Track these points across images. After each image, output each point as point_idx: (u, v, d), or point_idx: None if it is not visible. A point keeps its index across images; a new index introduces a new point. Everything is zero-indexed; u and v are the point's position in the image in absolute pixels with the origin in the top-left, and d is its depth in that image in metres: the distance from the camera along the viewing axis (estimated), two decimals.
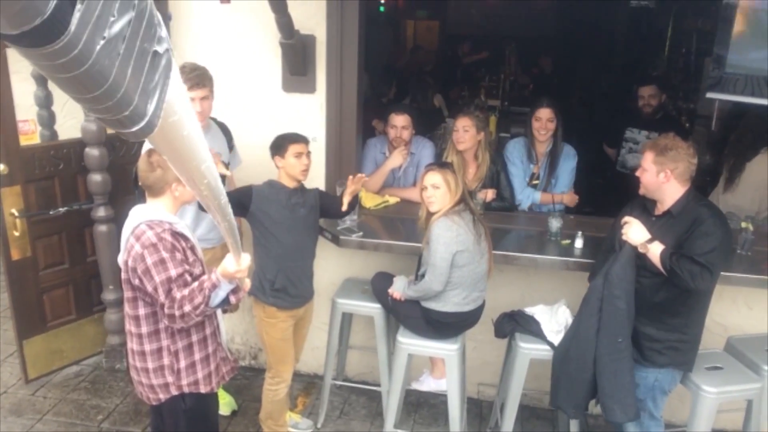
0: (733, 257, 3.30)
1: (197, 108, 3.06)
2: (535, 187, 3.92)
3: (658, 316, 2.78)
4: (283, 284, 3.09)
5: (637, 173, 2.79)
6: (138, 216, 2.41)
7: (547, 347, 3.09)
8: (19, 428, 3.52)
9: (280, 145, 3.02)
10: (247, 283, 2.41)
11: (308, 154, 3.05)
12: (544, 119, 3.82)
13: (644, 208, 2.85)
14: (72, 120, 4.45)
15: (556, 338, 3.07)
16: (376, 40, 7.96)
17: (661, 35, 7.66)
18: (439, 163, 3.20)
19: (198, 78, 3.02)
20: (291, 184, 3.06)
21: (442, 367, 3.43)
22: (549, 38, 9.81)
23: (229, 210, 1.52)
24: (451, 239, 2.92)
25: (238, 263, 2.17)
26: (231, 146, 3.45)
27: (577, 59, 8.74)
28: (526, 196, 3.87)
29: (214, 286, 2.27)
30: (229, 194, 2.80)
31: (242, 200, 2.98)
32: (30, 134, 3.72)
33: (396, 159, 3.87)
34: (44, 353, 3.92)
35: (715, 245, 2.61)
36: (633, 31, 8.82)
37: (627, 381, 2.76)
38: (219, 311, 2.64)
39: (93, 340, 4.13)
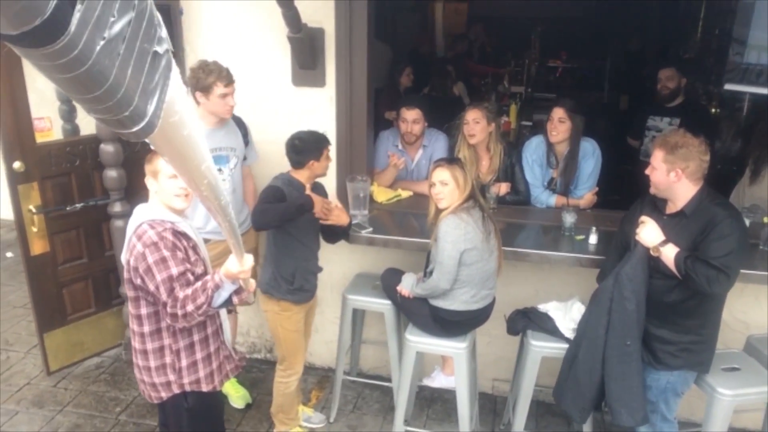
0: (756, 253, 3.18)
1: (231, 102, 3.14)
2: (553, 191, 3.81)
3: (671, 318, 2.69)
4: (300, 283, 3.12)
5: (647, 171, 2.67)
6: (140, 215, 2.42)
7: (560, 344, 3.03)
8: (40, 420, 3.62)
9: (318, 148, 2.97)
10: (252, 284, 2.41)
11: None
12: (555, 119, 3.69)
13: (654, 206, 2.75)
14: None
15: (573, 335, 3.01)
16: (404, 25, 7.84)
17: (694, 17, 7.40)
18: (448, 159, 3.14)
19: (230, 73, 3.10)
20: (309, 183, 3.05)
21: (453, 364, 3.39)
22: (579, 19, 9.57)
23: (230, 210, 1.51)
24: (459, 237, 2.87)
25: (241, 264, 2.17)
26: (247, 141, 3.44)
27: (607, 43, 8.53)
28: (540, 202, 3.77)
29: (217, 287, 2.28)
30: (273, 203, 2.82)
31: (279, 201, 2.96)
32: (46, 131, 3.77)
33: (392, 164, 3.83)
34: (65, 345, 4.00)
35: (732, 248, 2.50)
36: (665, 14, 8.54)
37: (635, 384, 2.68)
38: (223, 310, 2.65)
39: (113, 332, 4.21)
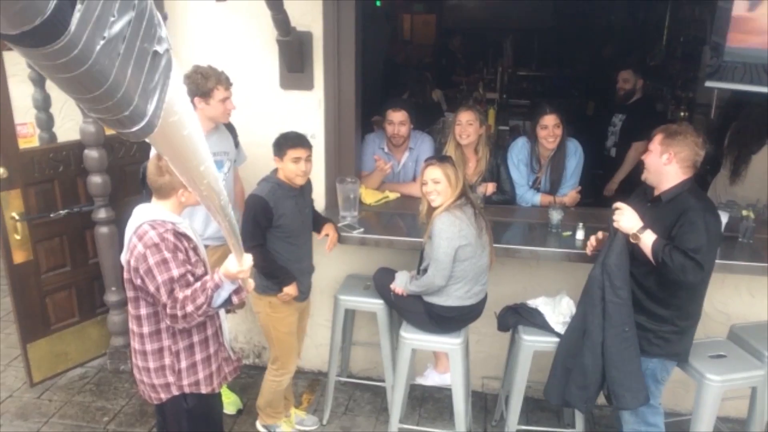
0: (735, 245, 3.30)
1: (230, 106, 3.11)
2: (537, 190, 3.89)
3: (646, 306, 2.78)
4: None
5: (643, 157, 2.80)
6: (141, 215, 2.41)
7: (552, 339, 3.09)
8: None
9: (279, 147, 2.98)
10: (251, 283, 2.41)
11: (308, 158, 2.99)
12: (550, 126, 3.74)
13: (644, 193, 2.87)
14: (70, 122, 4.45)
15: (563, 329, 3.07)
16: (374, 36, 7.95)
17: (659, 25, 7.65)
18: (439, 157, 3.19)
19: (228, 77, 3.08)
20: (291, 183, 3.06)
21: (445, 362, 3.43)
22: (546, 30, 9.81)
23: (230, 210, 1.52)
24: (454, 234, 2.92)
25: (240, 263, 2.18)
26: (236, 143, 3.44)
27: (574, 51, 8.75)
28: (526, 201, 3.85)
29: (217, 287, 2.28)
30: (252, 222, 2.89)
31: (267, 218, 2.96)
32: (29, 137, 3.72)
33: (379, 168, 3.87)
34: (48, 356, 3.92)
35: (703, 241, 2.58)
36: (630, 22, 8.81)
37: (635, 367, 2.77)
38: (222, 311, 2.64)
39: (97, 341, 4.14)
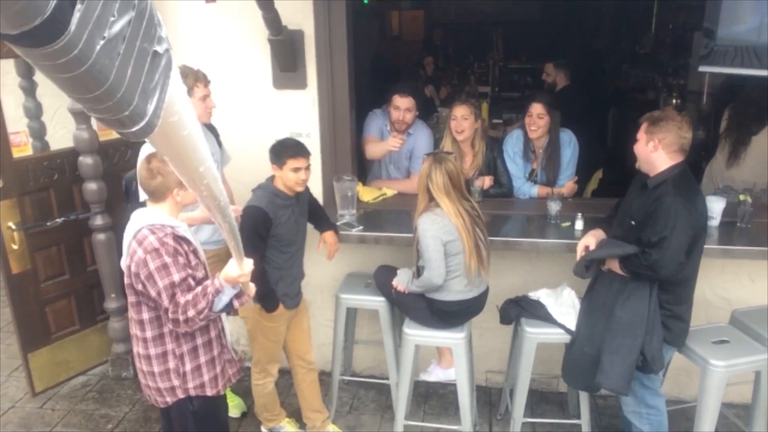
0: (734, 231, 3.31)
1: (211, 104, 3.09)
2: (534, 182, 3.89)
3: None
4: (284, 291, 3.10)
5: (634, 147, 2.81)
6: (140, 220, 2.40)
7: (555, 330, 3.08)
8: None
9: (278, 155, 2.88)
10: (252, 288, 2.40)
11: (308, 167, 2.93)
12: (534, 114, 3.76)
13: (644, 181, 2.88)
14: (63, 130, 4.42)
15: (566, 320, 3.06)
16: (363, 33, 7.94)
17: (648, 13, 7.67)
18: (432, 153, 3.17)
19: (206, 75, 3.05)
20: (291, 192, 3.00)
21: (449, 357, 3.43)
22: (535, 22, 9.82)
23: (230, 211, 1.51)
24: (437, 231, 2.93)
25: (241, 268, 2.16)
26: (219, 144, 3.40)
27: (564, 42, 8.74)
28: (523, 193, 3.85)
29: (218, 291, 2.27)
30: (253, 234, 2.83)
31: (267, 229, 2.91)
32: (22, 146, 3.68)
33: (392, 143, 3.80)
34: (50, 365, 3.90)
35: (667, 233, 2.58)
36: (619, 11, 8.82)
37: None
38: (223, 314, 2.63)
39: (98, 349, 4.12)
